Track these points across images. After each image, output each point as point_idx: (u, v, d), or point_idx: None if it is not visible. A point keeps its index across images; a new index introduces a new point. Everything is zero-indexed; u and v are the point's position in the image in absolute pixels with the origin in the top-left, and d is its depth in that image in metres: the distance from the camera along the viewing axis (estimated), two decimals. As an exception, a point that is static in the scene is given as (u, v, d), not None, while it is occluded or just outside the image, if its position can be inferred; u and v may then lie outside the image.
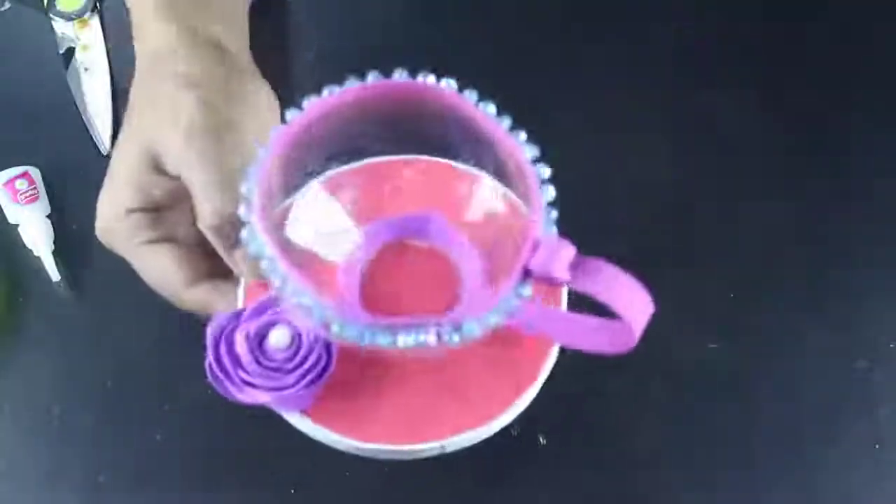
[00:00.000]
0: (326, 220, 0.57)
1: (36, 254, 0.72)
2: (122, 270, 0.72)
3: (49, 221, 0.73)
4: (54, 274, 0.71)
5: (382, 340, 0.49)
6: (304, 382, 0.53)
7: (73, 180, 0.75)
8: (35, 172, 0.74)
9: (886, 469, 0.63)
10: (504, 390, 0.55)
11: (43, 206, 0.73)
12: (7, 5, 0.82)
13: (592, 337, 0.52)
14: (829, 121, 0.74)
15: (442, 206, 0.57)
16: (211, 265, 0.58)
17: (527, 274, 0.49)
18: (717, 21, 0.80)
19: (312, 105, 0.51)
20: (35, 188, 0.73)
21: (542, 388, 0.59)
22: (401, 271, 0.56)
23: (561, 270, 0.48)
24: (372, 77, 0.51)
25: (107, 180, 0.58)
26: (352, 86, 0.51)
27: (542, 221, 0.49)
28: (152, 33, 0.61)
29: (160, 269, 0.58)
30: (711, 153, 0.71)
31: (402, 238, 0.57)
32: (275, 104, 0.60)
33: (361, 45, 0.79)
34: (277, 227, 0.52)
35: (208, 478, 0.65)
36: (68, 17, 0.79)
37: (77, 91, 0.76)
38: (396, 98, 0.51)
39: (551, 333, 0.54)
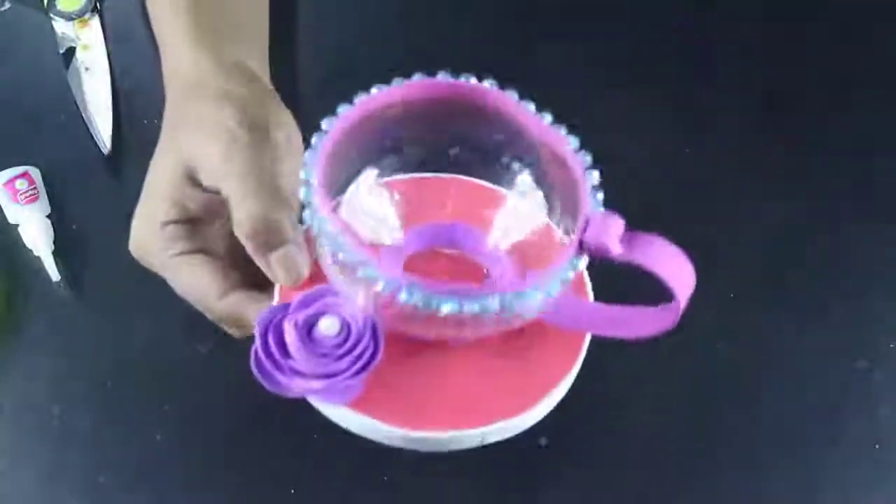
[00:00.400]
0: (376, 212, 0.59)
1: (36, 254, 0.72)
2: (123, 270, 0.72)
3: (49, 221, 0.73)
4: (54, 274, 0.71)
5: (447, 307, 0.50)
6: (355, 368, 0.53)
7: (73, 180, 0.75)
8: (35, 172, 0.74)
9: (886, 469, 0.63)
10: (539, 382, 0.56)
11: (43, 206, 0.73)
12: (7, 5, 0.82)
13: (632, 323, 0.55)
14: (829, 121, 0.74)
15: (475, 220, 0.59)
16: (243, 276, 0.59)
17: (581, 247, 0.52)
18: (717, 21, 0.80)
19: (360, 102, 0.53)
20: (35, 188, 0.73)
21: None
22: (434, 274, 0.58)
23: (613, 243, 0.51)
24: (417, 77, 0.54)
25: (142, 198, 0.61)
26: (397, 85, 0.53)
27: (591, 201, 0.52)
28: (186, 61, 0.64)
29: (194, 280, 0.60)
30: (711, 153, 0.71)
31: (435, 246, 0.59)
32: (294, 122, 0.63)
33: (362, 46, 0.79)
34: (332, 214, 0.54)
35: (208, 478, 0.65)
36: (68, 17, 0.79)
37: (77, 91, 0.76)
38: (440, 98, 0.54)
39: (590, 325, 0.57)
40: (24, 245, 0.72)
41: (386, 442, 0.56)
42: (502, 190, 0.59)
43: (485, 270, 0.59)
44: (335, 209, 0.56)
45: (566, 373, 0.56)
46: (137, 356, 0.69)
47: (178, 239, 0.59)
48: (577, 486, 0.64)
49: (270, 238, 0.57)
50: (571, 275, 0.52)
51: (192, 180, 0.60)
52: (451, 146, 0.58)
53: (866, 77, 0.76)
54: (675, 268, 0.52)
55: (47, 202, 0.73)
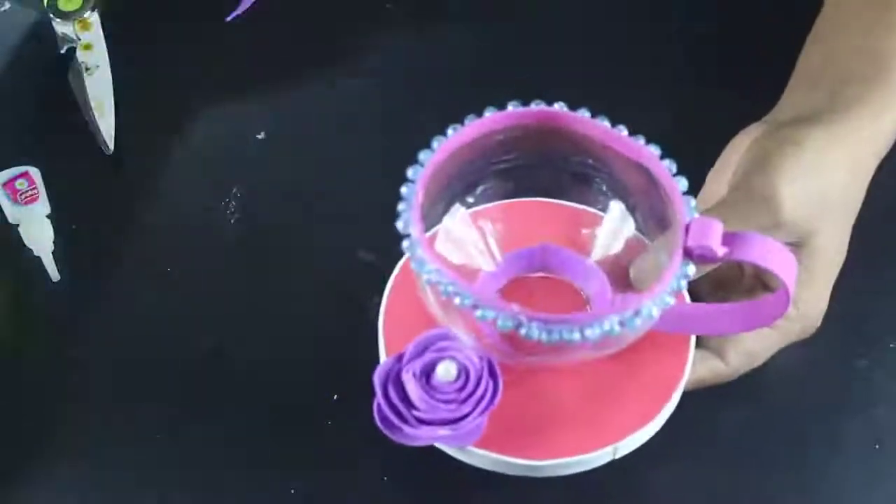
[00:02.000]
0: (470, 243, 0.61)
1: (36, 254, 0.72)
2: (123, 270, 0.72)
3: (49, 221, 0.73)
4: (54, 274, 0.71)
5: (570, 336, 0.51)
6: (479, 409, 0.54)
7: (73, 180, 0.75)
8: (35, 172, 0.74)
9: (886, 469, 0.63)
10: (657, 387, 0.58)
11: (43, 206, 0.73)
12: (7, 5, 0.82)
13: (745, 318, 0.57)
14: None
15: (566, 241, 0.61)
16: None
17: (687, 254, 0.53)
18: (717, 21, 0.80)
19: (456, 133, 0.55)
20: (35, 188, 0.73)
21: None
22: (530, 298, 0.59)
23: (716, 245, 0.53)
24: (512, 106, 0.56)
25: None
26: (493, 114, 0.56)
27: (686, 208, 0.54)
28: None
29: None
30: (711, 154, 0.70)
31: (529, 270, 0.61)
32: None
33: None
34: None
35: (208, 478, 0.65)
36: (68, 17, 0.79)
37: (78, 91, 0.76)
38: (527, 125, 0.56)
39: (703, 326, 0.59)
40: (24, 245, 0.72)
41: (517, 473, 0.57)
42: (589, 209, 0.61)
43: (580, 291, 0.61)
44: (432, 241, 0.58)
45: (681, 372, 0.58)
46: (138, 356, 0.69)
47: None
48: (577, 486, 0.64)
49: None
50: (684, 283, 0.53)
51: None
52: (540, 171, 0.60)
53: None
54: (779, 259, 0.53)
55: (47, 202, 0.73)
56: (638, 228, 0.59)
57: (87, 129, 0.75)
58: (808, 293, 0.60)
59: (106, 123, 0.76)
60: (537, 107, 0.56)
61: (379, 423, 0.55)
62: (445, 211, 0.59)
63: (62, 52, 0.78)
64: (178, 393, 0.68)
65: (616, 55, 0.79)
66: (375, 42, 0.81)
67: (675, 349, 0.59)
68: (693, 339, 0.59)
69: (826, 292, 0.61)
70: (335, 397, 0.66)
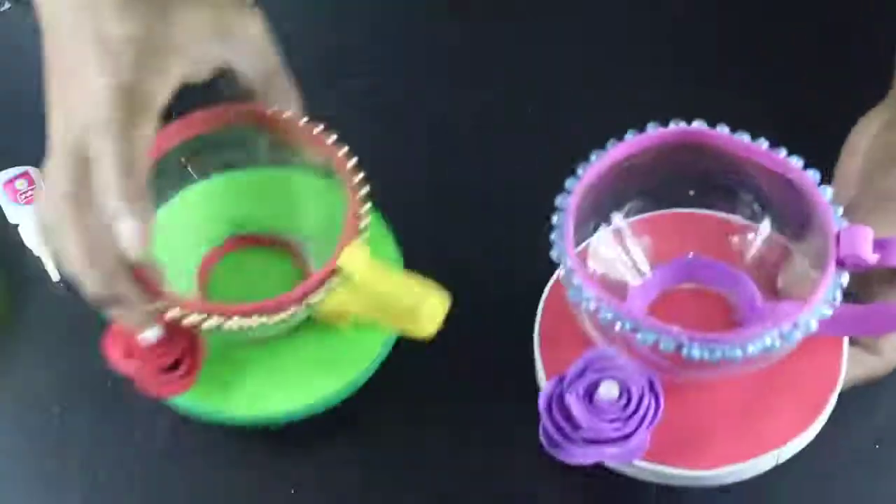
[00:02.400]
0: (619, 260, 0.62)
1: (36, 254, 0.72)
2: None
3: (49, 221, 0.73)
4: (54, 274, 0.71)
5: (732, 353, 0.53)
6: (643, 426, 0.55)
7: (73, 180, 0.75)
8: (35, 172, 0.74)
9: (886, 469, 0.63)
10: (814, 389, 0.59)
11: (43, 206, 0.73)
12: (7, 5, 0.82)
13: (879, 321, 0.58)
14: (829, 122, 0.74)
15: (714, 251, 0.62)
16: None
17: (840, 264, 0.54)
18: (717, 21, 0.80)
19: (599, 158, 0.58)
20: (35, 188, 0.73)
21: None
22: (680, 310, 0.61)
23: (867, 253, 0.54)
24: (651, 127, 0.59)
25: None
26: (637, 135, 0.59)
27: (833, 217, 0.55)
28: None
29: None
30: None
31: (679, 282, 0.63)
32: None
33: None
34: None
35: (208, 478, 0.65)
36: (68, 17, 0.79)
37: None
38: (670, 143, 0.59)
39: (858, 328, 0.59)
40: (24, 245, 0.72)
41: (682, 484, 0.58)
42: (733, 217, 0.62)
43: (727, 300, 0.62)
44: (585, 260, 0.60)
45: (837, 373, 0.59)
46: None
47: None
48: (578, 486, 0.64)
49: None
50: (839, 294, 0.54)
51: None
52: (682, 186, 0.62)
53: (867, 77, 0.75)
54: None
55: (47, 202, 0.73)
56: (781, 234, 0.61)
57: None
58: None
59: (106, 123, 0.75)
60: (677, 126, 0.59)
61: (546, 446, 0.56)
62: (595, 230, 0.61)
63: (62, 52, 0.78)
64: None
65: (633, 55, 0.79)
66: (380, 42, 0.81)
67: (829, 351, 0.59)
68: (846, 339, 0.60)
69: None
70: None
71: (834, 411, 0.64)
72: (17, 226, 0.73)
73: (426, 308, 0.59)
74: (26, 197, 0.73)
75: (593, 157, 0.58)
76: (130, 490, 0.65)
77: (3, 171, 0.74)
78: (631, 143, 0.58)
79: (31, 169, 0.74)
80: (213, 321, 0.59)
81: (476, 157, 0.75)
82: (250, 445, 0.66)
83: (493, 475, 0.64)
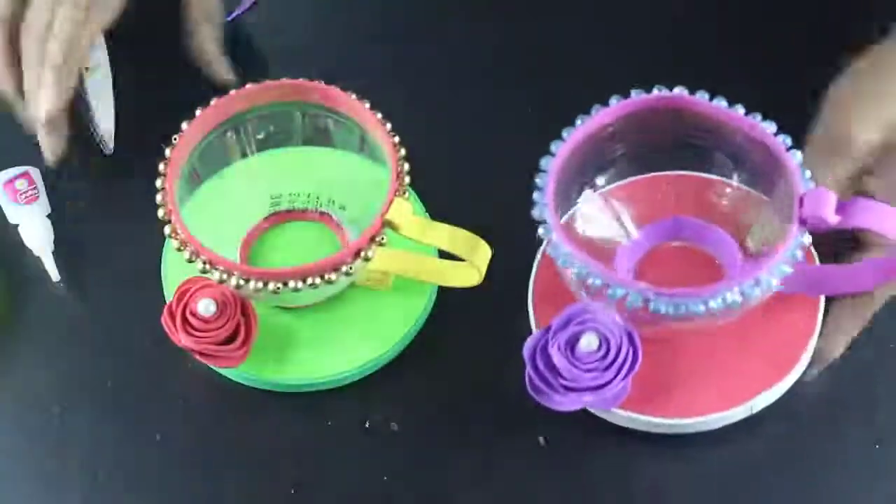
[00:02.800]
0: (606, 222, 0.65)
1: (36, 254, 0.72)
2: (123, 270, 0.72)
3: (49, 221, 0.73)
4: (54, 274, 0.71)
5: (695, 308, 0.56)
6: (620, 375, 0.59)
7: (73, 180, 0.75)
8: (35, 172, 0.74)
9: (886, 469, 0.63)
10: (789, 344, 0.62)
11: (43, 206, 0.73)
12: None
13: (866, 277, 0.61)
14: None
15: (696, 211, 0.65)
16: None
17: (802, 223, 0.57)
18: (717, 21, 0.80)
19: (584, 122, 0.61)
20: (35, 188, 0.73)
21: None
22: (666, 267, 0.65)
23: (830, 213, 0.57)
24: (634, 93, 0.61)
25: None
26: (622, 101, 0.61)
27: (800, 179, 0.58)
28: None
29: None
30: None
31: (664, 241, 0.66)
32: None
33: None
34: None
35: (208, 478, 0.65)
36: (68, 17, 0.79)
37: (78, 91, 0.76)
38: (648, 109, 0.62)
39: (828, 287, 0.62)
40: (24, 245, 0.72)
41: (660, 432, 0.62)
42: (714, 176, 0.65)
43: (713, 257, 0.65)
44: (571, 222, 0.64)
45: (812, 328, 0.62)
46: (137, 356, 0.69)
47: None
48: (578, 486, 0.64)
49: None
50: (799, 253, 0.57)
51: None
52: (663, 149, 0.65)
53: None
54: (891, 223, 0.57)
55: (47, 202, 0.73)
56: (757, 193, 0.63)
57: (87, 128, 0.75)
58: None
59: (106, 123, 0.76)
60: (659, 92, 0.61)
61: (531, 392, 0.60)
62: (580, 194, 0.64)
63: (62, 51, 0.78)
64: (177, 392, 0.68)
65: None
66: (382, 43, 0.81)
67: (804, 306, 0.62)
68: (822, 297, 0.63)
69: None
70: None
71: (834, 411, 0.64)
72: (17, 226, 0.73)
73: (476, 257, 0.62)
74: (26, 197, 0.73)
75: (578, 122, 0.61)
76: (130, 490, 0.65)
77: (3, 171, 0.74)
78: (615, 108, 0.61)
79: (31, 169, 0.74)
80: (289, 284, 0.61)
81: (476, 156, 0.75)
82: (250, 445, 0.66)
83: (493, 473, 0.64)
